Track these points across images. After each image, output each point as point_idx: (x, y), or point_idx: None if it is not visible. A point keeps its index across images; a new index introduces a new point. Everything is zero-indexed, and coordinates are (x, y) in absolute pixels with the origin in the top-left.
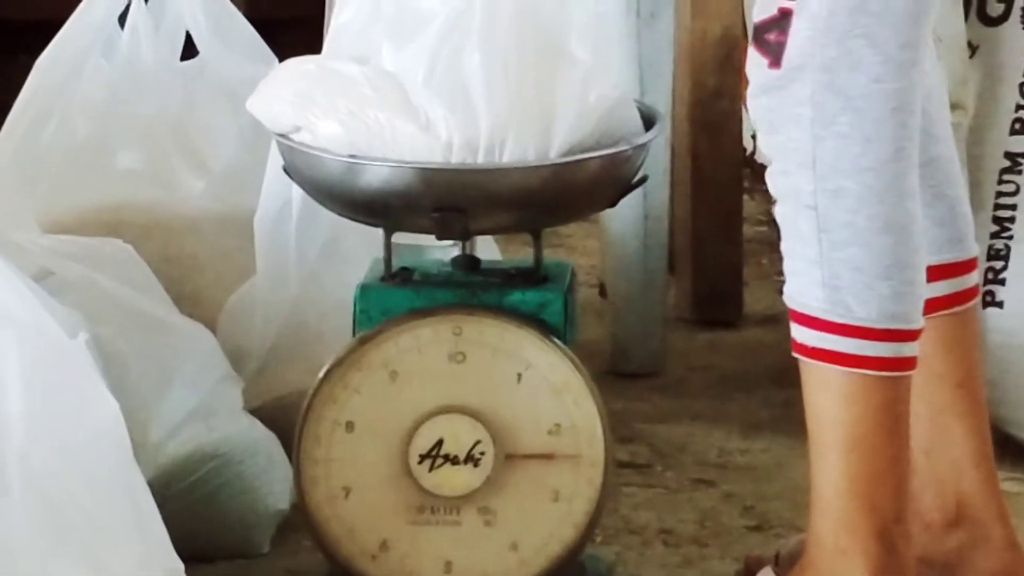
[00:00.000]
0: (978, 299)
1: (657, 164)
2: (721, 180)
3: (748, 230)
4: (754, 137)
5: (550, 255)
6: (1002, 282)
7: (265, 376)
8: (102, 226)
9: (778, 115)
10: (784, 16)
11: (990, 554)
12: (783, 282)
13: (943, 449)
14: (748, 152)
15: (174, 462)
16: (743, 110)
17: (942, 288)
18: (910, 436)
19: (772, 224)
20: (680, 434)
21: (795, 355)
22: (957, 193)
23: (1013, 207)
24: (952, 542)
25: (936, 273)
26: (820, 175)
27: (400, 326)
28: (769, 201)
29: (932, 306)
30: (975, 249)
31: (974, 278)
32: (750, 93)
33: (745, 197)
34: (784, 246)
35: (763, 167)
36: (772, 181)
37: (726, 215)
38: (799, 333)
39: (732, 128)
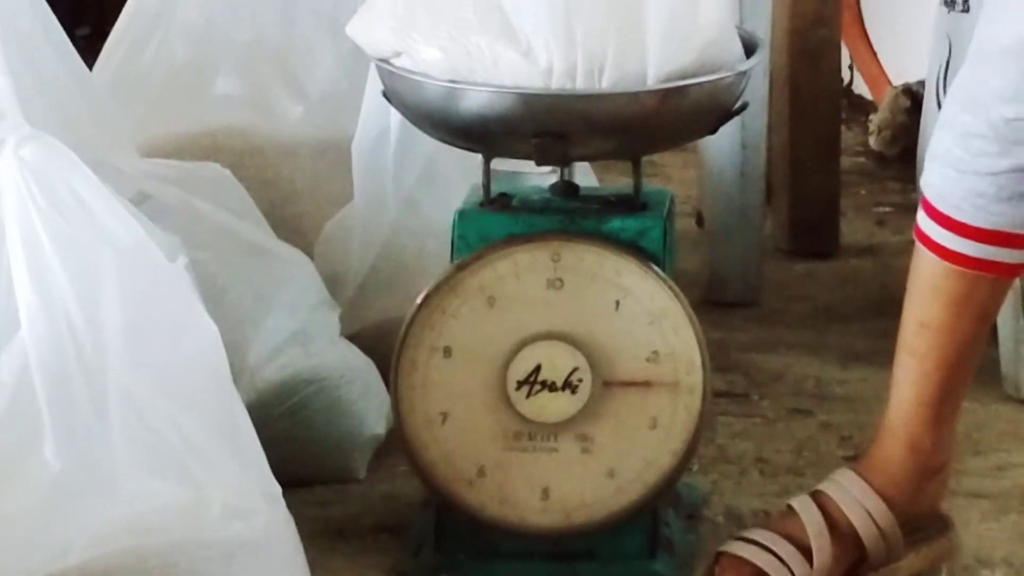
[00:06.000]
0: None
1: (756, 92)
2: (819, 110)
3: (846, 161)
4: (851, 68)
5: (646, 184)
6: None
7: (362, 302)
8: (199, 150)
9: None
10: None
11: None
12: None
13: (961, 391)
14: (846, 83)
15: (272, 387)
16: (841, 40)
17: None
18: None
19: (870, 155)
20: (777, 364)
21: None
22: None
23: None
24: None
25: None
26: None
27: (498, 252)
28: (866, 133)
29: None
30: None
31: None
32: None
33: (843, 128)
34: None
35: (861, 97)
36: None
37: (824, 145)
38: None
39: (831, 57)
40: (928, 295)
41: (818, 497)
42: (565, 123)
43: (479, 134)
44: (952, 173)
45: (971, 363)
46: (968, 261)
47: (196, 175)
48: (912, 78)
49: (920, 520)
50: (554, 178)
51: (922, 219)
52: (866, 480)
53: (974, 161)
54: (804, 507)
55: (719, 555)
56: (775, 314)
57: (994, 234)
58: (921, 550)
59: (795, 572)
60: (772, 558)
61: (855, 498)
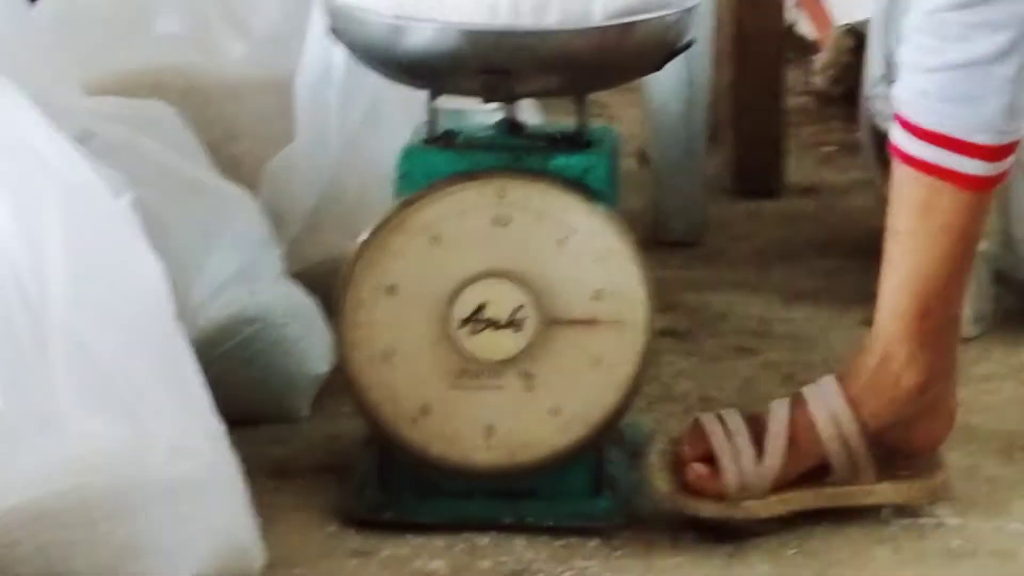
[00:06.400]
0: None
1: (701, 31)
2: (764, 50)
3: (790, 101)
4: (796, 7)
5: (592, 124)
6: None
7: (306, 240)
8: (142, 88)
9: None
10: None
11: (941, 406)
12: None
13: (939, 312)
14: (790, 23)
15: (215, 325)
16: None
17: (1008, 164)
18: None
19: (813, 95)
20: (721, 303)
21: None
22: None
23: None
24: (925, 401)
25: (1012, 149)
26: None
27: (443, 189)
28: (809, 73)
29: (997, 181)
30: None
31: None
32: None
33: (787, 67)
34: None
35: (804, 37)
36: None
37: (768, 85)
38: None
39: None
40: (896, 201)
41: (795, 399)
42: (511, 60)
43: (425, 71)
44: (906, 73)
45: (949, 284)
46: (923, 165)
47: (140, 112)
48: (856, 18)
49: (902, 450)
50: (499, 115)
51: (892, 126)
52: (841, 386)
53: (917, 57)
54: (776, 407)
55: (695, 420)
56: (719, 253)
57: (944, 138)
58: (902, 483)
59: (742, 464)
60: (727, 444)
61: (825, 401)
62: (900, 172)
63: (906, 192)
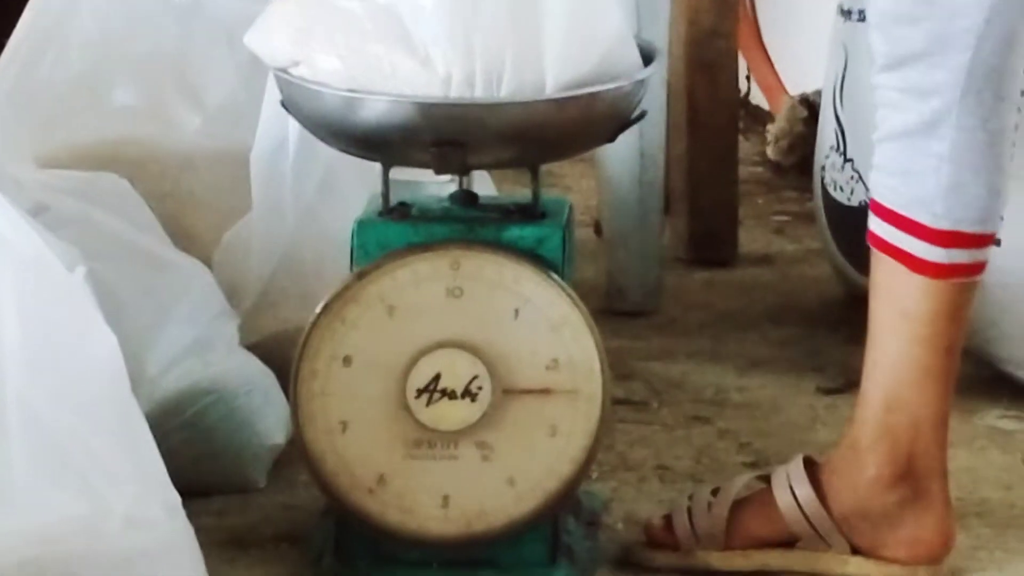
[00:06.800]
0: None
1: (654, 102)
2: (717, 120)
3: (743, 171)
4: (748, 78)
5: (545, 194)
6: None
7: (262, 312)
8: (97, 161)
9: None
10: None
11: (928, 510)
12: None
13: (910, 408)
14: (743, 93)
15: (170, 397)
16: (738, 50)
17: (964, 257)
18: (885, 386)
19: (767, 164)
20: (676, 372)
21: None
22: (1008, 168)
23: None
24: (894, 496)
25: (966, 241)
26: None
27: (397, 261)
28: (763, 143)
29: (950, 271)
30: (1000, 226)
31: (989, 253)
32: None
33: (740, 138)
34: None
35: (758, 108)
36: None
37: (722, 155)
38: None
39: (728, 68)
40: (870, 282)
41: (761, 475)
42: (464, 132)
43: (378, 143)
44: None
45: (920, 380)
46: (879, 242)
47: (94, 185)
48: (809, 88)
49: (897, 560)
50: (453, 187)
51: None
52: (811, 466)
53: (876, 129)
54: (731, 483)
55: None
56: (674, 322)
57: (890, 213)
58: (881, 562)
59: (695, 514)
60: (682, 503)
61: (787, 473)
62: (872, 253)
63: (873, 274)
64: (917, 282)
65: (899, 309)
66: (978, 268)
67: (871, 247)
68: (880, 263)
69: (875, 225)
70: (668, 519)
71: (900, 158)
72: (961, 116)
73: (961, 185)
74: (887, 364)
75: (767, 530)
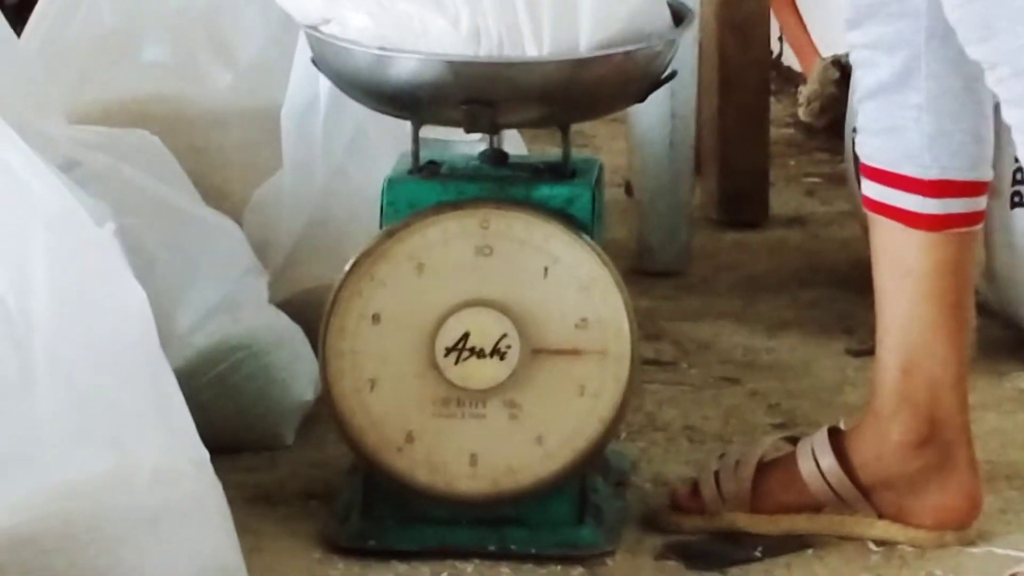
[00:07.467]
0: (982, 223)
1: (685, 63)
2: (748, 81)
3: (774, 132)
4: (780, 39)
5: (576, 154)
6: None
7: (291, 269)
8: (128, 117)
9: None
10: None
11: (953, 475)
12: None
13: (926, 370)
14: (775, 54)
15: (200, 353)
16: (770, 11)
17: (958, 206)
18: (898, 350)
19: (798, 126)
20: (706, 332)
21: None
22: (990, 113)
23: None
24: (918, 462)
25: (958, 190)
26: None
27: (427, 219)
28: (795, 104)
29: (946, 222)
30: (991, 173)
31: (984, 202)
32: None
33: (772, 99)
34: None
35: (790, 69)
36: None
37: (753, 116)
38: None
39: (760, 29)
40: (871, 249)
41: (788, 438)
42: (494, 91)
43: (408, 102)
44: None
45: (933, 340)
46: (873, 204)
47: (124, 142)
48: (841, 50)
49: (923, 525)
50: (483, 146)
51: None
52: (836, 435)
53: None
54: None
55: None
56: (704, 283)
57: (879, 172)
58: (907, 525)
59: (720, 476)
60: (707, 466)
61: (811, 442)
62: (868, 217)
63: (873, 238)
64: (915, 238)
65: (902, 269)
66: (975, 218)
67: (867, 212)
68: (878, 226)
69: (867, 188)
70: (695, 484)
71: (880, 115)
72: (931, 63)
73: (944, 133)
74: (897, 327)
75: (792, 498)
